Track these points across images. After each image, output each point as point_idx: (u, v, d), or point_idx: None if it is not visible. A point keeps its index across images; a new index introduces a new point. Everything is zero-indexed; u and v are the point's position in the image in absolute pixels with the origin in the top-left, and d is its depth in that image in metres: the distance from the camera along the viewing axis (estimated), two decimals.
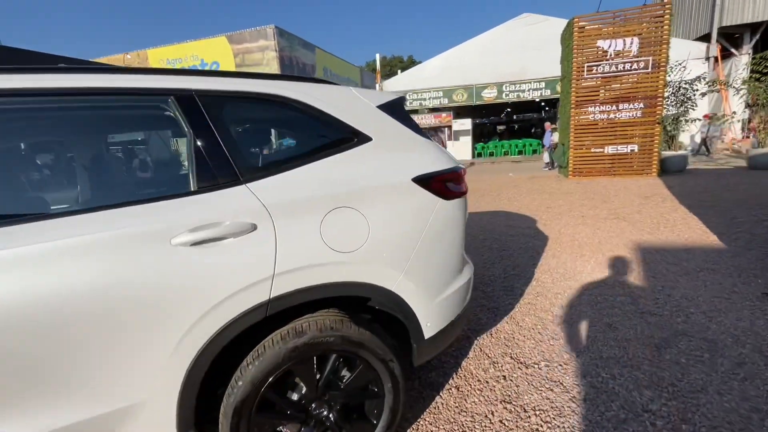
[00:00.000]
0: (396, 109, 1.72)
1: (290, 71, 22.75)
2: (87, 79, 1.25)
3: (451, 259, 1.70)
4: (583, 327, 2.57)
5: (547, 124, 13.74)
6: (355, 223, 1.44)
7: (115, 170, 1.76)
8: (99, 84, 1.26)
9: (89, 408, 1.15)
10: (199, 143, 1.33)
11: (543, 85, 17.86)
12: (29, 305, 1.04)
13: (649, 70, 8.94)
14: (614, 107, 9.34)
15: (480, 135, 26.73)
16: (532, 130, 24.38)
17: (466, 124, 20.21)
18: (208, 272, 1.23)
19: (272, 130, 1.56)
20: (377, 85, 18.42)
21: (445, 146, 13.61)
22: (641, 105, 9.14)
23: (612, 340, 2.39)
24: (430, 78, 19.53)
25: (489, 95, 18.85)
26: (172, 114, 1.34)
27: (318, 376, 1.45)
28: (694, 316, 2.63)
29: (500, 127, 30.01)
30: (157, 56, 23.58)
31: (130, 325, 1.15)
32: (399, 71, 22.96)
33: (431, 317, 1.63)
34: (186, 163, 1.33)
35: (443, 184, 1.65)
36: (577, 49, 9.32)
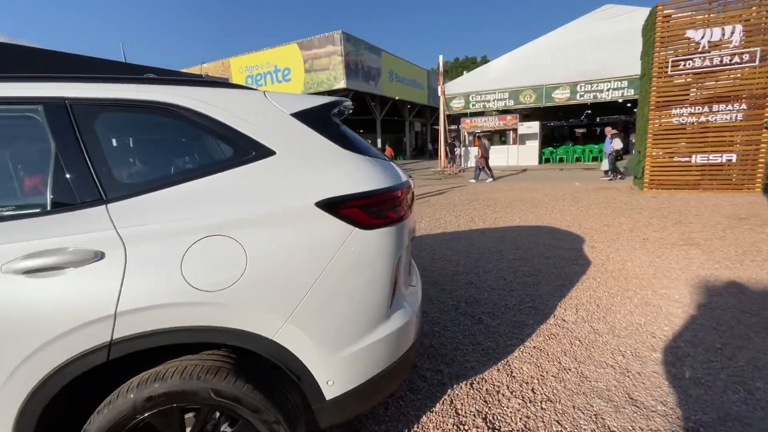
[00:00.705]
0: (317, 116, 1.44)
1: (355, 75, 23.26)
2: None
3: (369, 303, 1.37)
4: (595, 395, 2.03)
5: (608, 129, 12.16)
6: (228, 255, 1.20)
7: None
8: None
9: None
10: (60, 158, 1.20)
11: (625, 84, 15.88)
12: None
13: (756, 63, 7.34)
14: (706, 109, 7.84)
15: (551, 139, 24.76)
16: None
17: (533, 127, 18.80)
18: (40, 306, 1.08)
19: (159, 143, 1.39)
20: (439, 88, 17.92)
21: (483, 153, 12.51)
22: (744, 106, 7.55)
23: (629, 419, 1.83)
24: (496, 79, 18.51)
25: (561, 96, 17.29)
26: (39, 125, 1.23)
27: None
28: (759, 393, 1.93)
29: (579, 131, 27.50)
30: (238, 64, 25.67)
31: None
32: (464, 72, 22.16)
33: (335, 374, 1.32)
34: (47, 180, 1.20)
35: (361, 209, 1.34)
36: (660, 41, 8.01)
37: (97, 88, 1.27)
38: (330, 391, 1.32)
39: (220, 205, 1.24)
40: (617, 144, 11.39)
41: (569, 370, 2.23)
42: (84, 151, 1.21)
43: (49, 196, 1.18)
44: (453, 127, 22.36)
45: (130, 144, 1.33)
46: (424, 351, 2.52)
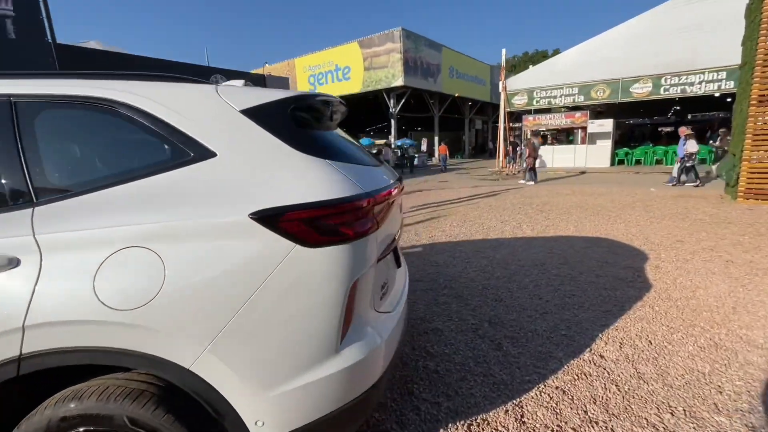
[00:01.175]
0: (272, 114, 1.26)
1: (413, 72, 22.97)
2: None
3: (310, 335, 1.16)
4: None
5: (682, 129, 10.51)
6: (145, 271, 1.06)
7: None
8: None
9: None
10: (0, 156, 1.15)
11: (723, 75, 13.70)
12: None
13: None
14: None
15: (630, 138, 22.33)
16: (707, 134, 19.02)
17: (605, 125, 17.04)
18: None
19: (93, 142, 1.29)
20: (500, 83, 16.99)
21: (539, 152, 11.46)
22: None
23: None
24: (564, 73, 17.07)
25: (641, 90, 15.45)
26: None
27: None
28: None
29: (665, 129, 24.43)
30: (302, 64, 26.70)
31: None
32: (531, 67, 20.78)
33: (265, 414, 1.13)
34: None
35: (305, 222, 1.13)
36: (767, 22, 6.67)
37: (36, 84, 1.22)
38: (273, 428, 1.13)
39: (145, 213, 1.11)
40: (692, 147, 9.86)
41: (596, 424, 1.82)
42: (19, 150, 1.16)
43: None
44: (517, 124, 21.14)
45: (64, 143, 1.25)
46: (426, 376, 2.25)
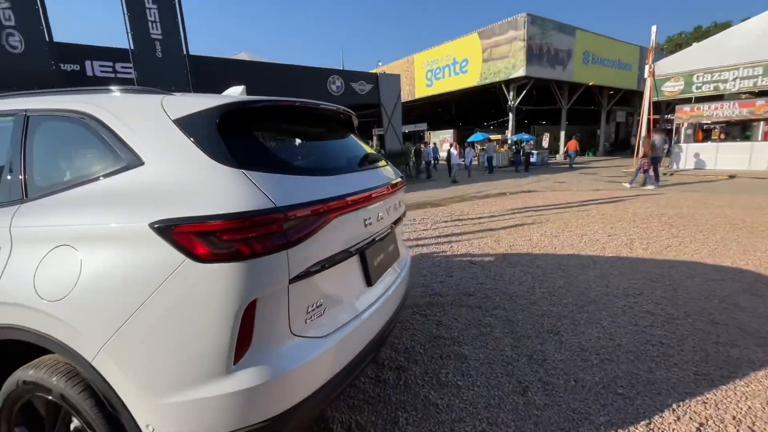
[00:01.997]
0: (201, 122, 1.25)
1: (538, 60, 20.96)
2: None
3: (198, 352, 1.11)
4: None
5: None
6: (69, 267, 1.18)
7: None
8: None
9: None
10: (12, 158, 1.42)
11: None
12: None
13: None
14: None
15: None
16: None
17: None
18: None
19: (66, 149, 1.47)
20: (646, 68, 14.17)
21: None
22: None
23: None
24: (739, 48, 13.27)
25: None
26: (11, 132, 1.48)
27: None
28: None
29: None
30: (421, 60, 26.94)
31: None
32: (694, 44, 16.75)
33: (154, 421, 1.14)
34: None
35: (197, 236, 1.09)
36: None
37: (43, 101, 1.45)
38: None
39: (82, 215, 1.23)
40: None
41: None
42: (23, 154, 1.41)
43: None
44: (668, 116, 17.40)
45: (47, 150, 1.47)
46: (422, 407, 2.02)
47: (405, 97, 28.76)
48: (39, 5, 4.84)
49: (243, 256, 1.10)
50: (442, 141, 29.23)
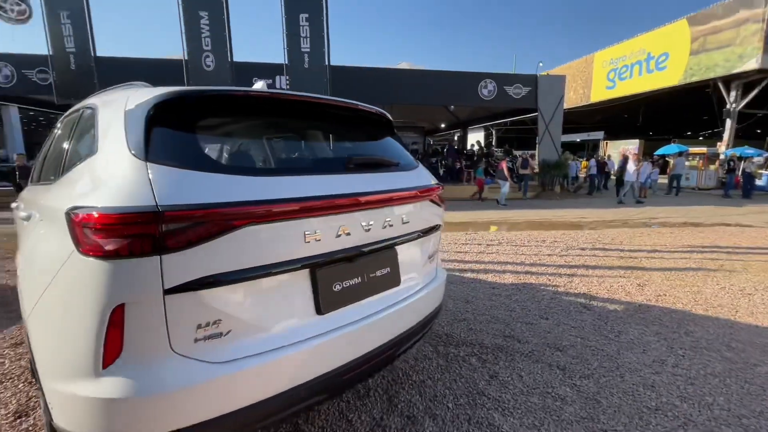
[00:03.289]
0: (137, 114, 1.22)
1: None
2: None
3: (77, 345, 1.06)
4: None
5: None
6: (32, 234, 1.33)
7: None
8: None
9: None
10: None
11: None
12: None
13: None
14: None
15: None
16: None
17: None
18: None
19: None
20: None
21: None
22: None
23: None
24: None
25: None
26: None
27: None
28: None
29: None
30: (602, 59, 23.24)
31: None
32: None
33: (55, 400, 1.16)
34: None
35: (80, 227, 1.05)
36: None
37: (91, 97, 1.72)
38: (55, 416, 1.18)
39: (55, 195, 1.37)
40: None
41: None
42: (71, 141, 1.70)
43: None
44: None
45: (72, 138, 1.69)
46: None
47: (577, 101, 25.28)
48: (227, 31, 6.22)
49: (109, 255, 1.00)
50: (622, 152, 24.46)
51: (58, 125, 2.26)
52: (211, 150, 1.30)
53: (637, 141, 25.91)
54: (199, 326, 1.11)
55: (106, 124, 1.33)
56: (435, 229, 1.89)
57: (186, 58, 6.24)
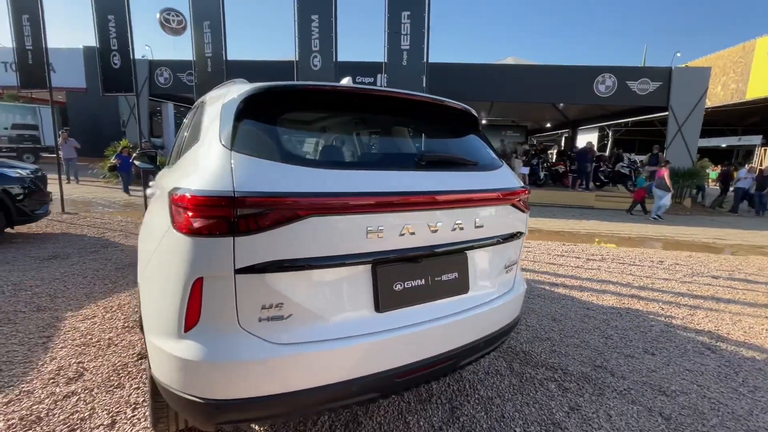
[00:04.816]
0: (230, 106, 1.35)
1: None
2: None
3: (167, 309, 1.22)
4: None
5: None
6: (155, 208, 1.57)
7: None
8: None
9: None
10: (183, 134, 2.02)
11: None
12: None
13: None
14: None
15: None
16: None
17: None
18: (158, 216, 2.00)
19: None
20: None
21: None
22: None
23: None
24: None
25: None
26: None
27: None
28: None
29: None
30: (767, 45, 18.74)
31: None
32: None
33: (152, 353, 1.34)
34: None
35: (175, 206, 1.21)
36: None
37: (209, 93, 1.96)
38: (153, 367, 1.36)
39: (172, 175, 1.60)
40: None
41: None
42: (188, 131, 1.97)
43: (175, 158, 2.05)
44: None
45: (190, 128, 1.93)
46: None
47: (727, 98, 20.91)
48: (334, 33, 6.62)
49: (193, 232, 1.13)
50: None
51: (185, 119, 2.66)
52: (288, 142, 1.37)
53: None
54: (263, 307, 1.19)
55: (208, 116, 1.50)
56: (516, 236, 1.73)
57: (297, 59, 6.85)
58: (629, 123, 18.76)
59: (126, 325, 2.82)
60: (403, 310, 1.38)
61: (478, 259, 1.59)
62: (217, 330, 1.18)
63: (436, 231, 1.38)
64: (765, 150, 23.51)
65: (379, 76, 8.45)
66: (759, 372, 2.53)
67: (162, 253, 1.27)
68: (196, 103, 2.25)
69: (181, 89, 13.58)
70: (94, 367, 2.29)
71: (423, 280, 1.42)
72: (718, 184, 14.55)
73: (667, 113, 12.24)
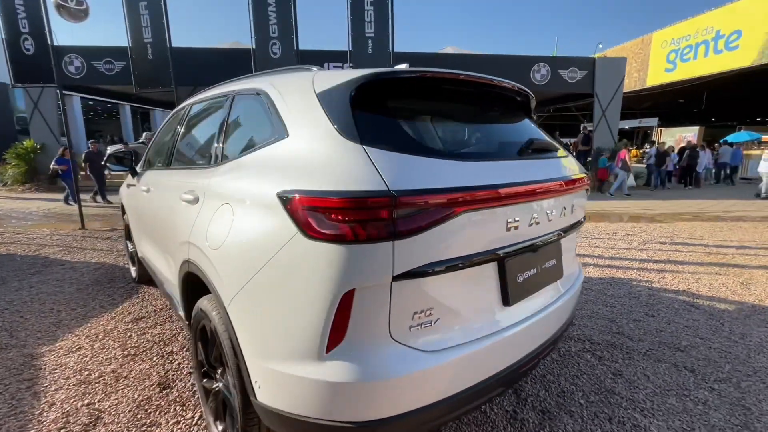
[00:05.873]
0: (337, 96, 1.20)
1: None
2: None
3: (298, 328, 1.06)
4: None
5: None
6: (225, 221, 1.35)
7: None
8: None
9: None
10: (218, 130, 1.77)
11: None
12: None
13: None
14: None
15: None
16: None
17: None
18: (185, 222, 1.73)
19: (242, 123, 1.64)
20: None
21: None
22: None
23: None
24: None
25: None
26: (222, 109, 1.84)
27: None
28: None
29: None
30: (661, 39, 21.65)
31: None
32: None
33: (260, 379, 1.18)
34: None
35: (308, 211, 1.04)
36: None
37: (245, 83, 1.74)
38: (260, 395, 1.21)
39: (241, 179, 1.38)
40: None
41: None
42: (224, 128, 1.72)
43: (204, 157, 1.80)
44: None
45: (235, 123, 1.70)
46: None
47: (631, 86, 23.73)
48: (293, 20, 6.24)
49: (345, 240, 0.99)
50: (678, 141, 22.83)
51: (186, 113, 2.32)
52: (414, 133, 1.25)
53: (696, 128, 24.12)
54: (415, 313, 1.09)
55: (291, 108, 1.32)
56: (582, 222, 1.79)
57: (253, 46, 6.33)
58: (551, 109, 20.43)
59: (127, 353, 2.45)
60: (525, 300, 1.36)
61: (565, 245, 1.62)
62: (367, 345, 1.06)
63: (551, 220, 1.38)
64: (660, 130, 27.23)
65: (344, 66, 8.17)
66: (737, 321, 2.94)
67: (282, 267, 1.10)
68: (215, 95, 1.98)
69: (97, 80, 11.91)
70: (110, 407, 1.96)
71: (536, 269, 1.41)
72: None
73: (593, 99, 13.54)
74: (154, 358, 2.38)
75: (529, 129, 1.59)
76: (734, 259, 4.69)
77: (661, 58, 21.49)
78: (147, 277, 3.55)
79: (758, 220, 7.34)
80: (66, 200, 8.50)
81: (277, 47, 6.36)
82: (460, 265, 1.12)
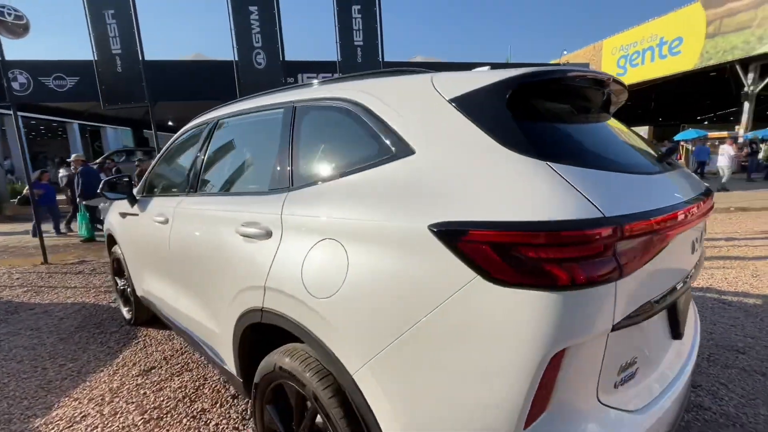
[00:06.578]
0: (482, 101, 0.98)
1: None
2: None
3: (482, 400, 0.82)
4: None
5: None
6: (334, 264, 1.07)
7: None
8: None
9: None
10: (280, 147, 1.48)
11: None
12: None
13: None
14: None
15: None
16: None
17: None
18: (241, 261, 1.42)
19: (324, 139, 1.39)
20: None
21: None
22: None
23: None
24: None
25: None
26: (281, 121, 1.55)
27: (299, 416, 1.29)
28: None
29: None
30: (611, 45, 23.08)
31: None
32: None
33: None
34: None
35: (495, 248, 0.80)
36: None
37: (310, 92, 1.46)
38: None
39: (344, 208, 1.12)
40: None
41: None
42: (291, 144, 1.44)
43: (264, 181, 1.50)
44: None
45: (311, 139, 1.43)
46: None
47: None
48: (278, 28, 5.93)
49: (558, 285, 0.76)
50: None
51: (213, 130, 2.00)
52: (580, 142, 1.04)
53: (645, 127, 25.81)
54: (621, 367, 0.88)
55: (410, 118, 1.08)
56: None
57: (236, 57, 5.91)
58: None
59: (148, 417, 2.04)
60: (686, 328, 1.19)
61: None
62: (571, 413, 0.84)
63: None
64: None
65: (333, 75, 7.89)
66: (764, 310, 2.97)
67: (457, 321, 0.85)
68: (254, 106, 1.70)
69: (45, 97, 10.86)
70: None
71: (685, 296, 1.24)
72: None
73: None
74: (184, 421, 2.00)
75: (631, 136, 1.44)
76: (730, 251, 4.87)
77: (613, 64, 22.90)
78: (144, 318, 3.11)
79: (731, 212, 7.79)
80: (34, 233, 7.52)
81: (261, 57, 6.01)
82: (659, 301, 0.93)
